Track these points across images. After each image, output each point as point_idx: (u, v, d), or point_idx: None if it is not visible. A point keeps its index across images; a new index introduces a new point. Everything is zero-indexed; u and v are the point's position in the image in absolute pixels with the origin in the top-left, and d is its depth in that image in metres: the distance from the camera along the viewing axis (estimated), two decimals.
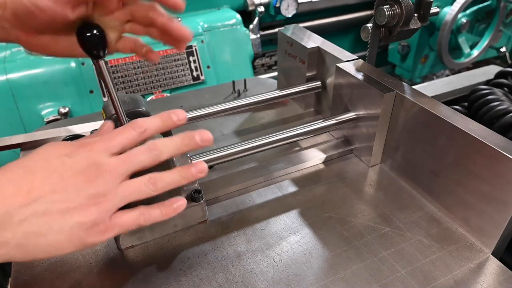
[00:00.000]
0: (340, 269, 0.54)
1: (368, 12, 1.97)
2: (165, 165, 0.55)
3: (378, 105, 0.65)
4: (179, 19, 1.45)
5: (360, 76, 0.70)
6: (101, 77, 0.55)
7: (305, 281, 0.52)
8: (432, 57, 2.12)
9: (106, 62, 1.30)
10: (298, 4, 1.65)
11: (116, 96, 0.57)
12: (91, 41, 0.51)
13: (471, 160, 0.55)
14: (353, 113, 0.72)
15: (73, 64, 1.27)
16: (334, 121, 0.71)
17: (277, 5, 1.62)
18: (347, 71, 0.72)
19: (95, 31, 0.51)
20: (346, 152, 0.76)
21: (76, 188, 0.39)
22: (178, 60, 1.39)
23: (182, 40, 0.52)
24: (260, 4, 1.61)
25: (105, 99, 1.28)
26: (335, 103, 0.77)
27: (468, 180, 0.56)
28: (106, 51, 0.54)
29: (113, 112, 0.59)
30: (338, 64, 0.74)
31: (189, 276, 0.53)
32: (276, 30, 1.31)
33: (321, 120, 0.71)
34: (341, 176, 0.71)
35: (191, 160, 0.59)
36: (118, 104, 0.57)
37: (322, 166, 0.73)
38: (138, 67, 1.34)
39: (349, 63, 0.75)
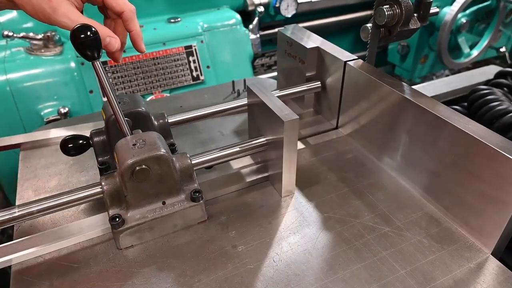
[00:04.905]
0: (339, 269, 0.54)
1: (368, 12, 1.97)
2: (167, 172, 0.56)
3: (280, 132, 0.59)
4: (179, 19, 1.45)
5: (267, 98, 0.63)
6: (97, 77, 0.55)
7: (305, 281, 0.52)
8: (432, 57, 2.12)
9: (105, 63, 1.30)
10: (298, 4, 1.65)
11: (113, 96, 0.57)
12: (85, 43, 0.52)
13: (471, 160, 0.55)
14: (264, 138, 0.66)
15: (73, 64, 1.27)
16: (238, 148, 0.65)
17: (277, 5, 1.62)
18: (255, 92, 0.66)
19: (88, 33, 0.52)
20: (261, 180, 0.69)
21: None
22: (178, 60, 1.39)
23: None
24: (260, 4, 1.61)
25: (105, 99, 1.28)
26: (250, 125, 0.73)
27: (468, 180, 0.56)
28: (101, 53, 0.54)
29: (112, 112, 0.59)
30: (248, 84, 0.69)
31: (188, 277, 0.53)
32: (276, 30, 1.31)
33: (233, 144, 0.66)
34: (341, 176, 0.71)
35: (190, 160, 0.59)
36: (115, 103, 0.58)
37: (321, 166, 0.73)
38: (138, 67, 1.34)
39: (260, 83, 0.68)
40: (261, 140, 0.66)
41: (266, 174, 0.69)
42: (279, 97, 0.82)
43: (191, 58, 1.40)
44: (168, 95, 1.38)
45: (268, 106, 0.62)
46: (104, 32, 0.56)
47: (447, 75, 2.41)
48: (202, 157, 0.63)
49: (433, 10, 0.71)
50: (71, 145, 0.65)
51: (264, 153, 0.68)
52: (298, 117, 0.59)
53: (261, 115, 0.65)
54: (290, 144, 0.60)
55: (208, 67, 1.44)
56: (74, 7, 0.56)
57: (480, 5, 1.96)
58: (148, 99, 1.30)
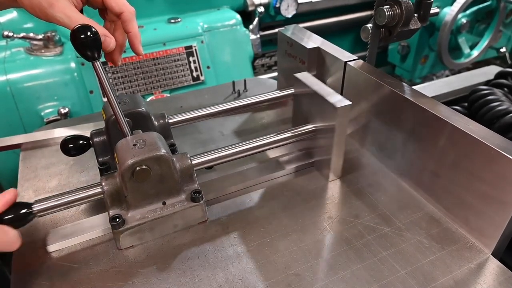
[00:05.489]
0: (340, 270, 0.54)
1: (368, 12, 1.97)
2: (167, 172, 0.56)
3: (332, 118, 0.63)
4: (179, 19, 1.45)
5: (316, 87, 0.67)
6: (98, 78, 0.55)
7: (305, 281, 0.52)
8: (432, 57, 2.12)
9: (105, 63, 1.30)
10: (298, 4, 1.65)
11: (113, 96, 0.57)
12: (85, 43, 0.52)
13: (471, 160, 0.55)
14: (311, 125, 0.69)
15: (73, 64, 1.27)
16: (290, 134, 0.67)
17: (277, 5, 1.62)
18: (304, 81, 0.69)
19: (88, 33, 0.51)
20: (306, 166, 0.72)
21: None
22: (178, 60, 1.39)
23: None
24: (260, 5, 1.61)
25: (105, 99, 1.28)
26: (295, 114, 0.76)
27: (468, 180, 0.56)
28: (101, 53, 0.54)
29: (112, 112, 0.59)
30: (296, 74, 0.72)
31: (189, 277, 0.53)
32: (276, 30, 1.31)
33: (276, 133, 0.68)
34: (341, 176, 0.70)
35: (191, 160, 0.59)
36: (116, 104, 0.58)
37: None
38: (138, 67, 1.34)
39: (307, 73, 0.72)
40: (309, 126, 0.68)
41: (311, 160, 0.71)
42: (279, 97, 0.82)
43: (191, 59, 1.40)
44: (168, 95, 1.38)
45: (319, 94, 0.64)
46: (100, 31, 0.56)
47: (447, 76, 2.41)
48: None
49: (434, 10, 0.71)
50: (72, 145, 0.65)
51: (310, 142, 0.71)
52: (351, 103, 0.62)
53: (310, 103, 0.69)
54: (341, 129, 0.64)
55: (208, 67, 1.44)
56: (72, 4, 0.56)
57: (480, 5, 1.96)
58: (148, 99, 1.30)
